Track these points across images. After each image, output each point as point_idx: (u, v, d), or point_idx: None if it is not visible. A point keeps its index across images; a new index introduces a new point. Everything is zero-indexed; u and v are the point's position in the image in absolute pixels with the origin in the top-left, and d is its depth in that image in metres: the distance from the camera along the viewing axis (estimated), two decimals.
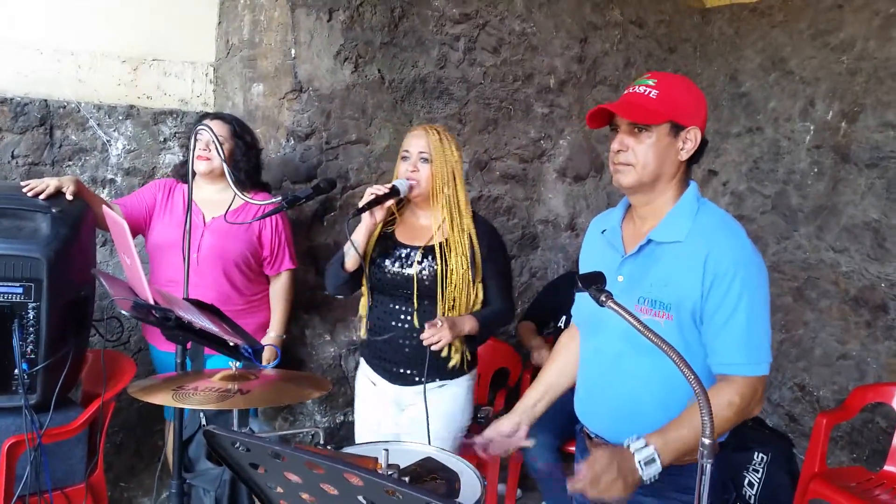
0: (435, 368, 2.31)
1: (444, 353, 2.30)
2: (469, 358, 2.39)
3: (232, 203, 2.61)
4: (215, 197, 2.70)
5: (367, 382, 2.47)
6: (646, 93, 1.65)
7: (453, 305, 2.29)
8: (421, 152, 2.29)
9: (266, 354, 2.82)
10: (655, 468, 1.52)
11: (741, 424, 1.65)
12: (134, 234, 2.65)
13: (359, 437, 2.54)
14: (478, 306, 2.34)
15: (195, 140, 2.34)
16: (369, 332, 2.42)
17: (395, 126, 3.41)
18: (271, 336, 2.86)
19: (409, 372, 2.35)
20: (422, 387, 2.31)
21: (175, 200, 2.73)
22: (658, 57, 4.28)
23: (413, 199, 2.34)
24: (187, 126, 3.13)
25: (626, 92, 1.71)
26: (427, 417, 2.27)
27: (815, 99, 3.73)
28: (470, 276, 2.29)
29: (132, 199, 2.71)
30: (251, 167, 2.78)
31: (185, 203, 2.70)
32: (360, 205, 2.20)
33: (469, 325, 2.28)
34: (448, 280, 2.27)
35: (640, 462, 1.51)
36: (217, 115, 2.79)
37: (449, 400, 2.37)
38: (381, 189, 2.22)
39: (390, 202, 2.26)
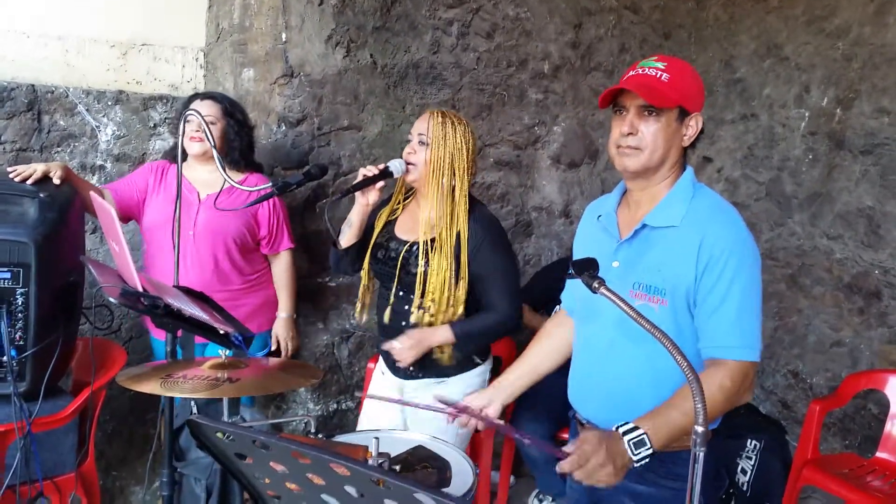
0: (433, 365, 2.29)
1: (437, 355, 2.27)
2: (459, 358, 2.30)
3: (222, 187, 2.59)
4: (208, 177, 2.69)
5: (378, 372, 2.49)
6: (657, 75, 1.63)
7: (431, 305, 2.21)
8: (420, 135, 2.22)
9: (282, 334, 2.90)
10: (646, 451, 1.50)
11: (733, 412, 1.64)
12: (126, 220, 2.65)
13: (361, 423, 2.52)
14: (458, 308, 2.23)
15: (185, 122, 2.32)
16: (379, 325, 2.39)
17: (388, 112, 3.38)
18: (282, 317, 2.91)
19: (408, 367, 2.30)
20: (420, 381, 2.33)
21: (169, 180, 2.71)
22: (653, 43, 4.25)
23: (411, 183, 2.29)
24: (178, 111, 3.10)
25: (633, 73, 1.67)
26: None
27: (809, 85, 3.71)
28: (451, 276, 2.19)
29: (123, 184, 2.69)
30: (244, 146, 2.76)
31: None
32: (350, 185, 2.17)
33: (440, 336, 2.21)
34: (429, 279, 2.20)
35: (629, 443, 1.49)
36: (208, 95, 2.76)
37: (452, 396, 2.29)
38: (372, 170, 2.18)
39: (382, 183, 2.21)
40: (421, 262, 2.21)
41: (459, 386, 2.32)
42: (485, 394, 1.95)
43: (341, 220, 2.34)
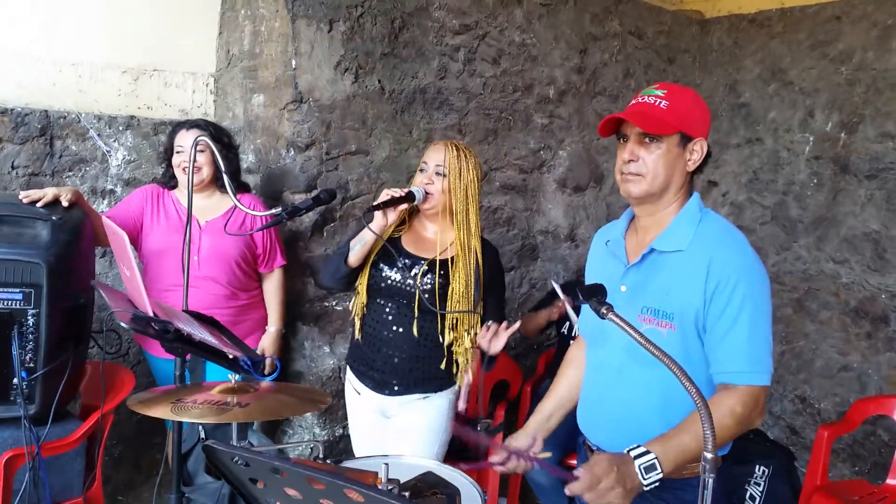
0: (420, 381, 2.34)
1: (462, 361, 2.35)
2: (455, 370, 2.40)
3: (233, 212, 2.62)
4: (204, 203, 2.76)
5: (353, 391, 2.49)
6: (656, 103, 1.65)
7: (455, 323, 2.30)
8: (437, 165, 2.30)
9: (269, 348, 2.93)
10: (656, 475, 1.50)
11: (742, 437, 1.64)
12: None
13: (354, 444, 2.58)
14: (477, 326, 2.32)
15: (195, 150, 2.33)
16: (361, 338, 2.42)
17: (396, 137, 3.40)
18: (272, 331, 2.96)
19: (393, 382, 2.35)
20: (404, 397, 2.36)
21: (167, 206, 2.76)
22: (657, 67, 4.29)
23: (424, 210, 2.36)
24: (166, 140, 3.12)
25: (634, 101, 1.71)
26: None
27: (814, 110, 3.74)
28: (472, 296, 2.30)
29: (120, 210, 2.72)
30: (234, 169, 2.81)
31: (177, 209, 2.74)
32: (376, 202, 2.22)
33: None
34: (449, 296, 2.28)
35: (640, 468, 1.50)
36: (193, 123, 2.76)
37: (434, 412, 2.39)
38: (397, 191, 2.24)
39: (404, 206, 2.27)
40: (442, 279, 2.29)
41: (442, 401, 2.40)
42: (527, 432, 1.94)
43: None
